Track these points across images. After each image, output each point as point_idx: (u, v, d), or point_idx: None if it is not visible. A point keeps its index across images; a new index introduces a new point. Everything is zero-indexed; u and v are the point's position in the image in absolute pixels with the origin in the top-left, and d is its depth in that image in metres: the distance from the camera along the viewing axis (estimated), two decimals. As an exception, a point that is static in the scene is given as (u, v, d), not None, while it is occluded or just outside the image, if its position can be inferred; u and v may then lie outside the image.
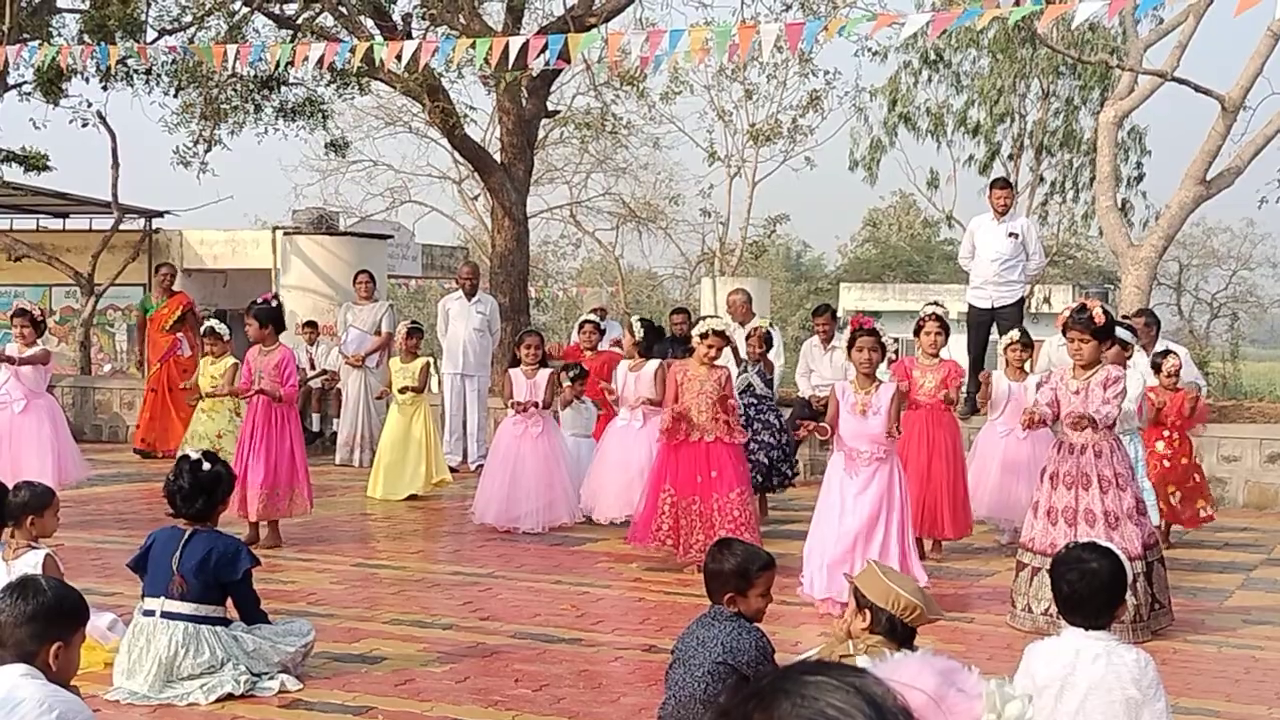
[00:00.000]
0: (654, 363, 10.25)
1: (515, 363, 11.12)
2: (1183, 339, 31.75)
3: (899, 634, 4.57)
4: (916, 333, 9.58)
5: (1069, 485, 7.45)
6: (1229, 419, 13.12)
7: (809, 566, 7.90)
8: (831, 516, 7.84)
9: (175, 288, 15.74)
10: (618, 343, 13.68)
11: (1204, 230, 45.53)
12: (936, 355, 9.56)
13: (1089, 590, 4.54)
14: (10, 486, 6.78)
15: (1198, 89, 14.71)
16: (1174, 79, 14.88)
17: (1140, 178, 30.33)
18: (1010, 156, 30.10)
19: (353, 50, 12.31)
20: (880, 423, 7.79)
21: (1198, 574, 9.15)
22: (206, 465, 6.29)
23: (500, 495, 10.57)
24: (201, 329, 11.89)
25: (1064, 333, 7.58)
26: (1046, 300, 31.28)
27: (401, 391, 12.06)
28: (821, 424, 8.10)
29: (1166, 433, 10.10)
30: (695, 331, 9.18)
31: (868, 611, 4.60)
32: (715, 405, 8.81)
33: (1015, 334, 10.48)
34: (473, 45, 11.22)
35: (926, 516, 9.12)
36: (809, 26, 10.20)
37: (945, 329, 9.56)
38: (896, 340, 10.43)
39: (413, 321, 12.73)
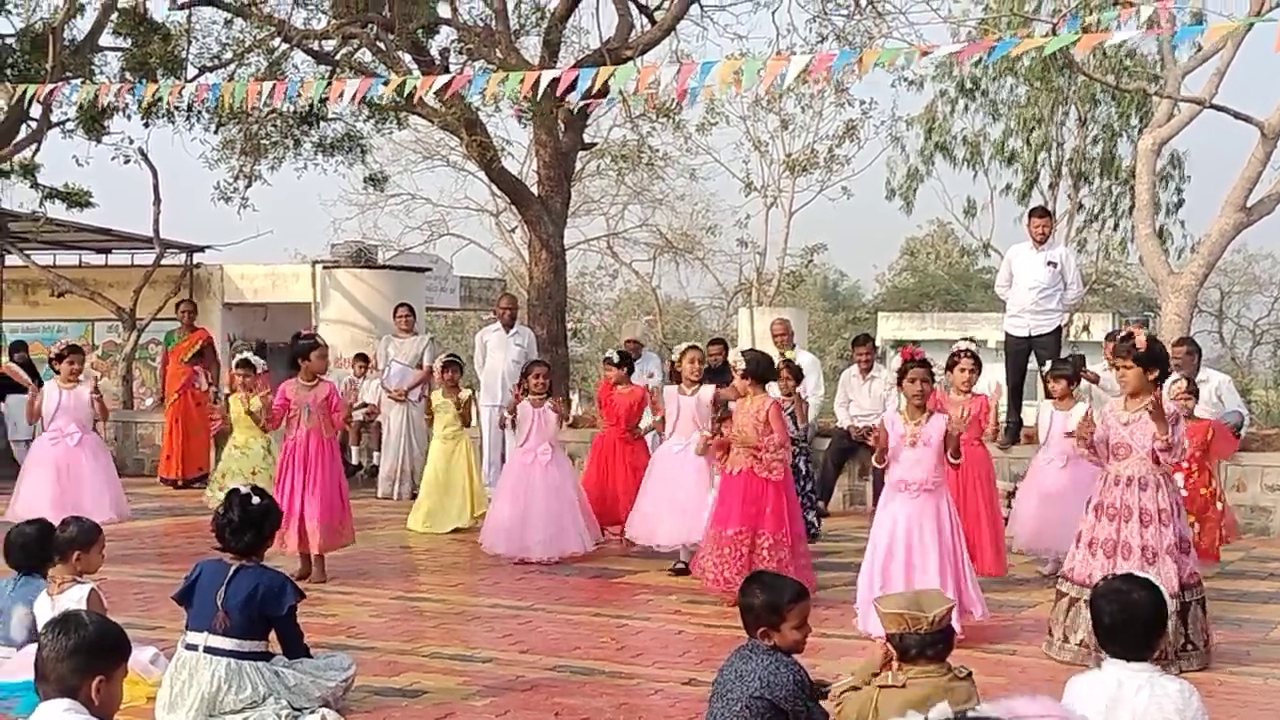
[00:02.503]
0: (709, 388, 10.25)
1: (526, 392, 11.13)
2: (1225, 367, 31.49)
3: (929, 646, 4.61)
4: (950, 368, 9.57)
5: (1111, 517, 7.39)
6: (1272, 447, 12.98)
7: (863, 603, 7.84)
8: (883, 552, 7.82)
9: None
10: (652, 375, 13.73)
11: (1245, 257, 45.24)
12: (968, 391, 9.53)
13: (1129, 621, 4.53)
14: (59, 522, 6.87)
15: (1237, 116, 14.64)
16: (1212, 106, 14.82)
17: (1180, 205, 30.09)
18: (1050, 185, 29.96)
19: (386, 84, 12.41)
20: (931, 454, 7.79)
21: (1242, 605, 9.05)
22: (256, 499, 6.33)
23: (510, 524, 10.61)
24: (234, 360, 12.03)
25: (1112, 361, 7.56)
26: (1086, 328, 31.09)
27: (454, 403, 12.11)
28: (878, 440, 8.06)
29: (1184, 464, 9.68)
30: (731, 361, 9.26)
31: (890, 646, 4.66)
32: (751, 439, 8.80)
33: (1047, 367, 10.54)
34: (505, 79, 11.28)
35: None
36: (840, 56, 10.21)
37: (978, 365, 9.56)
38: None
39: (450, 354, 12.75)
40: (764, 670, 4.85)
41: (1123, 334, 7.54)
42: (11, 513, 10.41)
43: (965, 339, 10.00)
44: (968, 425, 9.07)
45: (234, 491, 6.40)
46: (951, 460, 7.90)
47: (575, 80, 10.69)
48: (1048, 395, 10.57)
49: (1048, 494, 9.92)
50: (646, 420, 11.51)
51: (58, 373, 11.11)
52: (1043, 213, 13.29)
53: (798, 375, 11.66)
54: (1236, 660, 7.51)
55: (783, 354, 12.89)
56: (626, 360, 11.64)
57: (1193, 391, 10.33)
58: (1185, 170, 30.08)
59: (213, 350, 16.04)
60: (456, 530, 12.02)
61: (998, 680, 6.69)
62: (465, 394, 12.36)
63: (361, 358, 15.89)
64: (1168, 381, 10.54)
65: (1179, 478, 9.65)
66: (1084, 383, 11.19)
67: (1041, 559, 10.15)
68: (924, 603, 4.79)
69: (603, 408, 11.54)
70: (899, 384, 8.13)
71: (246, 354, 12.29)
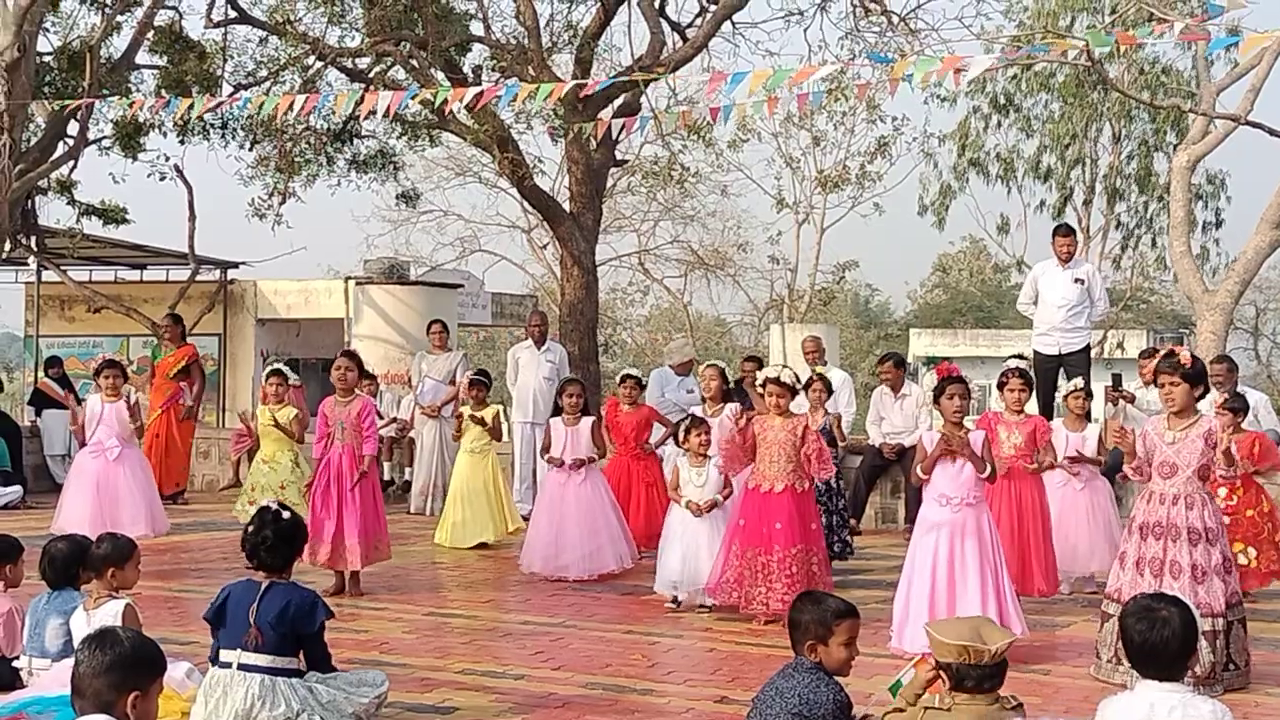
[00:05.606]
0: (731, 406, 10.19)
1: (558, 411, 11.11)
2: (1260, 384, 31.26)
3: (986, 679, 4.58)
4: (1000, 388, 9.45)
5: (1158, 536, 7.31)
6: (1310, 466, 12.85)
7: (900, 620, 7.82)
8: (923, 567, 7.78)
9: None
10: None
11: (1281, 274, 44.88)
12: (1021, 411, 9.41)
13: (1160, 640, 4.49)
14: (95, 538, 6.92)
15: (1272, 133, 14.57)
16: (1248, 123, 14.76)
17: (1220, 224, 29.88)
18: (1085, 202, 29.84)
19: (415, 97, 12.43)
20: (971, 469, 7.76)
21: (1281, 625, 8.98)
22: (286, 515, 6.34)
23: (546, 544, 10.60)
24: (266, 370, 12.07)
25: (1155, 380, 7.49)
26: (1120, 345, 30.95)
27: (476, 422, 12.11)
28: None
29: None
30: (757, 382, 9.21)
31: (944, 674, 4.62)
32: (789, 456, 8.78)
33: (1079, 382, 10.50)
34: (534, 92, 11.32)
35: (1020, 573, 8.69)
36: (871, 57, 10.20)
37: (1029, 384, 9.42)
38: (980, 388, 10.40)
39: (477, 371, 12.77)
40: (804, 687, 4.83)
41: (1165, 351, 7.47)
42: (55, 527, 10.49)
43: (1016, 356, 9.80)
44: (1024, 448, 8.95)
45: (264, 509, 6.40)
46: (985, 478, 7.87)
47: (597, 86, 10.69)
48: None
49: (1065, 513, 9.86)
50: (657, 435, 11.55)
51: (100, 387, 11.19)
52: (1067, 231, 13.33)
53: (829, 389, 11.66)
54: (1276, 681, 7.44)
55: (813, 370, 12.88)
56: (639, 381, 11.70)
57: (1236, 409, 10.12)
58: (1224, 189, 29.89)
59: (199, 367, 15.88)
60: (484, 545, 12.00)
61: (1033, 700, 6.63)
62: (491, 410, 12.36)
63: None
64: (1208, 398, 10.47)
65: (1221, 491, 9.57)
66: (1120, 401, 11.13)
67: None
68: (985, 634, 4.72)
69: (611, 429, 11.52)
70: (936, 402, 8.09)
71: (279, 364, 12.30)
